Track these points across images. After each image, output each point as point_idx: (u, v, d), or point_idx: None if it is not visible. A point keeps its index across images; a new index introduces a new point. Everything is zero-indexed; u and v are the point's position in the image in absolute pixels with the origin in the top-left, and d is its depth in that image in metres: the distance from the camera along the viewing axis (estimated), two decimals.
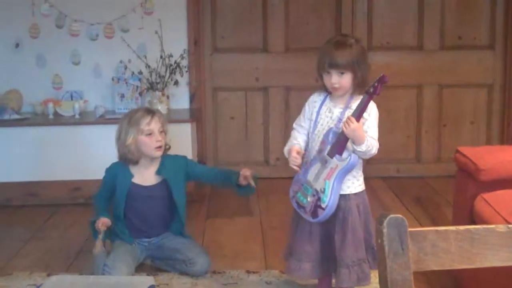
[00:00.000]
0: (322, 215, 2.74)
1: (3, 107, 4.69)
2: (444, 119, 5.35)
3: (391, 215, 1.23)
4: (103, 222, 3.27)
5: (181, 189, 3.48)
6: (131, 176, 3.40)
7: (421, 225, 4.08)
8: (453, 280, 3.22)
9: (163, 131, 3.38)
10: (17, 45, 4.94)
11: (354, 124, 2.64)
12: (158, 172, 3.42)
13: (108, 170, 3.48)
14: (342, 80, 2.74)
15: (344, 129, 2.65)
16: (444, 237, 1.26)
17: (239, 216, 4.44)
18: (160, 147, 3.35)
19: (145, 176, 3.42)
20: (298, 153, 2.80)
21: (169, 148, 3.49)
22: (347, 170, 2.73)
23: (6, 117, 4.61)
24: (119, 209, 3.41)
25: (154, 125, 3.33)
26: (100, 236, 3.23)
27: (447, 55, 5.27)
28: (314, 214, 2.76)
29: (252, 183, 3.31)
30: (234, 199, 4.81)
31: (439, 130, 5.36)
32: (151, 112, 3.40)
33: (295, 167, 2.82)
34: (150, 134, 3.32)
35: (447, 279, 3.25)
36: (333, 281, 2.98)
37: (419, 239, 1.25)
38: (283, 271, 3.36)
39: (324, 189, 2.72)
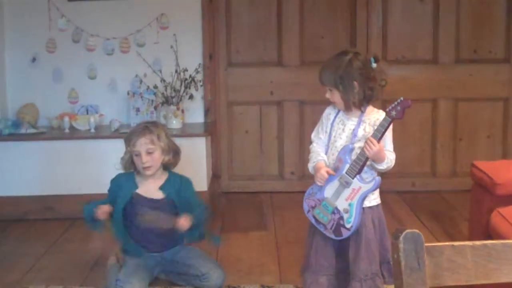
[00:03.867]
0: (346, 234, 2.78)
1: (19, 121, 4.73)
2: (460, 133, 5.33)
3: (408, 230, 1.22)
4: (103, 210, 3.21)
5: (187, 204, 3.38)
6: (136, 186, 3.35)
7: (437, 240, 4.06)
8: None
9: (153, 152, 3.27)
10: (33, 60, 4.98)
11: (376, 147, 2.66)
12: (162, 188, 3.35)
13: (113, 181, 3.43)
14: (332, 96, 2.81)
15: (367, 152, 2.67)
16: (460, 252, 1.25)
17: (254, 230, 4.43)
18: (148, 167, 3.27)
19: (150, 188, 3.35)
20: (327, 172, 2.79)
21: (172, 164, 3.39)
22: (370, 192, 2.76)
23: (23, 131, 4.64)
24: (118, 218, 3.29)
25: (140, 146, 3.25)
26: (117, 249, 3.20)
27: (463, 69, 5.25)
28: (337, 232, 2.79)
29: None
30: (249, 213, 4.82)
31: (454, 144, 5.33)
32: (141, 131, 3.31)
33: (320, 184, 2.81)
34: (137, 155, 3.28)
35: None
36: None
37: (436, 254, 1.24)
38: (298, 285, 3.35)
39: (349, 210, 2.75)
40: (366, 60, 2.78)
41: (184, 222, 3.16)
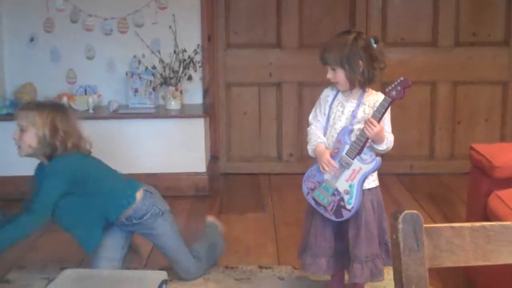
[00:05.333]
0: (347, 216, 2.79)
1: (17, 100, 4.71)
2: (458, 116, 5.33)
3: (407, 211, 1.22)
4: None
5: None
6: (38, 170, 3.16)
7: (435, 222, 4.07)
8: (467, 276, 3.21)
9: (24, 131, 3.00)
10: (31, 40, 4.96)
11: (377, 127, 2.66)
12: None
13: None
14: (335, 75, 2.78)
15: (367, 132, 2.67)
16: (459, 233, 1.25)
17: (252, 212, 4.44)
18: (17, 146, 3.04)
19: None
20: (330, 153, 2.78)
21: (50, 149, 3.03)
22: (370, 173, 2.76)
23: None
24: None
25: (17, 119, 3.03)
26: None
27: (462, 52, 5.24)
28: (338, 214, 2.79)
29: None
30: (247, 195, 4.83)
31: (453, 127, 5.34)
32: (27, 105, 3.14)
33: (327, 171, 2.80)
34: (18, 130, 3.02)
35: (460, 276, 3.24)
36: (346, 277, 2.98)
37: (434, 235, 1.24)
38: (296, 266, 3.36)
39: (349, 191, 2.75)
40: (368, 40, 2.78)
41: None
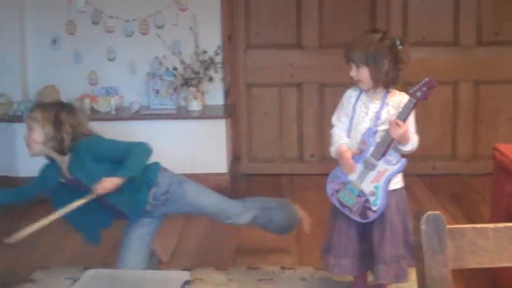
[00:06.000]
0: (372, 217, 2.78)
1: (40, 102, 4.76)
2: (481, 116, 5.28)
3: (429, 212, 1.22)
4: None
5: (96, 174, 3.03)
6: (58, 175, 3.15)
7: (457, 223, 4.04)
8: (491, 278, 3.18)
9: (32, 130, 3.03)
10: (54, 42, 5.00)
11: (402, 128, 2.65)
12: (69, 170, 3.09)
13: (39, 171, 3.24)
14: (359, 73, 2.76)
15: (393, 134, 2.66)
16: (482, 234, 1.25)
17: None
18: (27, 145, 3.06)
19: (64, 173, 3.12)
20: (352, 154, 2.78)
21: (59, 145, 3.03)
22: (396, 174, 2.76)
23: None
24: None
25: (26, 119, 3.08)
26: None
27: (484, 51, 5.20)
28: (363, 215, 2.79)
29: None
30: (268, 195, 4.81)
31: (475, 127, 5.29)
32: (38, 105, 3.19)
33: (347, 172, 2.80)
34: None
35: (484, 277, 3.22)
36: (370, 278, 2.97)
37: (457, 236, 1.23)
38: (318, 267, 3.36)
39: (375, 192, 2.75)
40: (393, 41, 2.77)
41: (102, 185, 2.95)
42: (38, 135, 3.02)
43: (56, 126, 3.01)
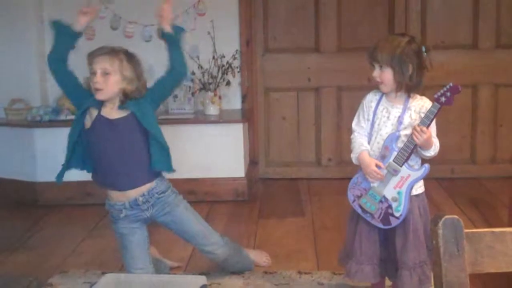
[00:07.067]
0: (395, 223, 2.77)
1: (59, 107, 4.80)
2: (500, 119, 5.24)
3: (447, 216, 1.21)
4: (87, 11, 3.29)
5: (152, 118, 3.13)
6: (99, 106, 3.11)
7: (476, 227, 4.02)
8: (509, 283, 3.15)
9: (109, 74, 3.04)
10: (73, 47, 5.01)
11: (426, 134, 2.64)
12: (121, 107, 3.07)
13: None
14: (382, 74, 2.73)
15: (417, 140, 2.64)
16: (501, 238, 1.24)
17: (291, 217, 4.43)
18: (98, 89, 3.02)
19: (110, 109, 3.09)
20: (377, 165, 2.76)
21: (133, 93, 3.08)
22: (419, 180, 2.75)
23: (62, 117, 4.71)
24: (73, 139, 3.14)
25: (96, 65, 3.08)
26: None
27: (503, 54, 5.16)
28: (386, 221, 2.77)
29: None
30: (286, 200, 4.82)
31: (495, 130, 5.26)
32: (106, 50, 3.17)
33: (373, 180, 2.79)
34: (93, 73, 3.08)
35: (502, 282, 3.19)
36: (388, 283, 2.96)
37: (475, 240, 1.23)
38: (335, 272, 3.34)
39: (398, 198, 2.73)
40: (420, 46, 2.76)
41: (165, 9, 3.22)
42: (118, 82, 3.06)
43: (131, 77, 3.09)
